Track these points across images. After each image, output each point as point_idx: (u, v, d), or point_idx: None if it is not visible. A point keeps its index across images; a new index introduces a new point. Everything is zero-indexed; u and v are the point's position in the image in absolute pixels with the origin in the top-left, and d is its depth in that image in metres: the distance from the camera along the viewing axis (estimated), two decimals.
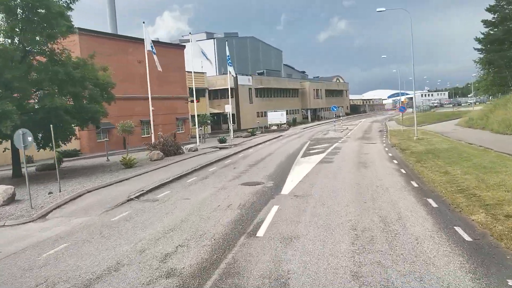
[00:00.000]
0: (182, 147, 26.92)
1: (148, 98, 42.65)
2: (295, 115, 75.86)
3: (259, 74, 75.87)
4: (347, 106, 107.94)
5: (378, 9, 28.26)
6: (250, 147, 31.01)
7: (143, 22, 30.41)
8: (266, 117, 58.97)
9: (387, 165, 18.63)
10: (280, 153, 25.94)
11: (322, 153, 24.22)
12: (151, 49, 30.17)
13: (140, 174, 18.36)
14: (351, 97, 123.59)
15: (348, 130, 45.71)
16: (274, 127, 53.61)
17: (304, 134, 43.43)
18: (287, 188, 14.12)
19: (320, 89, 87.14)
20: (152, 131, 29.79)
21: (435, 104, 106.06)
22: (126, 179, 17.02)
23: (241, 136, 42.08)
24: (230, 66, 38.95)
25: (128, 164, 20.72)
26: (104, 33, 40.05)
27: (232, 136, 39.63)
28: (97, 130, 36.85)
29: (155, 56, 30.63)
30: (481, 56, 40.87)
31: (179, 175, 17.78)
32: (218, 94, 63.01)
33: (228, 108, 35.39)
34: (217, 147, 31.57)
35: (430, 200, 11.46)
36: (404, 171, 16.60)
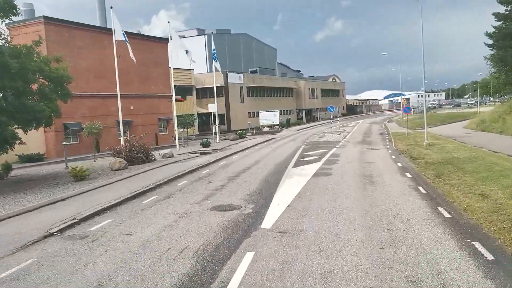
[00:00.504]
0: (153, 153, 23.00)
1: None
2: (289, 116, 72.11)
3: (251, 72, 72.12)
4: (344, 107, 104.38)
5: None
6: (235, 152, 27.18)
7: (111, 7, 26.40)
8: (258, 118, 55.15)
9: (399, 179, 14.87)
10: (268, 161, 22.14)
11: (317, 162, 20.43)
12: (123, 38, 26.21)
13: (86, 191, 14.45)
14: (347, 97, 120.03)
15: (346, 132, 42.01)
16: (266, 129, 49.81)
17: (298, 137, 39.66)
18: (270, 218, 10.31)
19: (316, 89, 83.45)
20: (122, 134, 25.83)
21: (434, 105, 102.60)
22: (62, 200, 13.06)
23: (228, 139, 38.25)
24: (216, 61, 35.07)
25: (78, 176, 16.80)
26: (77, 23, 36.01)
27: (217, 139, 35.80)
28: (66, 132, 32.99)
29: (128, 45, 26.70)
30: (492, 52, 37.24)
31: (135, 193, 13.90)
32: (207, 93, 59.07)
33: (213, 108, 31.53)
34: (198, 152, 27.74)
35: (479, 246, 7.71)
36: (423, 190, 12.85)
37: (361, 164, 19.26)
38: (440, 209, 10.53)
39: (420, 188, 13.25)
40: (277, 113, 52.18)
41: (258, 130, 50.27)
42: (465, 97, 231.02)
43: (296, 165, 19.82)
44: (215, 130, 33.66)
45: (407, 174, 15.96)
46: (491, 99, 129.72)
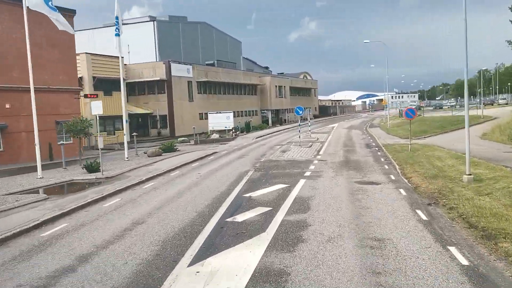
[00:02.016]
0: None
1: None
2: (252, 118, 60.56)
3: (208, 65, 60.28)
4: (316, 107, 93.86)
5: None
6: (125, 188, 15.29)
7: None
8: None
9: None
10: (154, 226, 10.44)
11: (259, 236, 8.92)
12: None
13: None
14: (319, 97, 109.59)
15: (319, 143, 30.80)
16: (216, 135, 38.06)
17: (251, 150, 28.11)
18: None
19: (284, 86, 72.22)
20: None
21: (415, 107, 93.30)
22: None
23: (146, 153, 26.16)
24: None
25: None
26: None
27: (126, 155, 23.75)
28: None
29: None
30: None
31: None
32: (145, 88, 46.80)
33: (97, 108, 19.12)
34: (60, 184, 15.81)
35: None
36: None
37: (363, 252, 7.88)
38: None
39: None
40: (231, 114, 40.46)
41: (206, 137, 38.49)
42: (437, 98, 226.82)
43: (204, 252, 8.19)
44: (98, 141, 19.54)
45: None
46: (476, 100, 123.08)
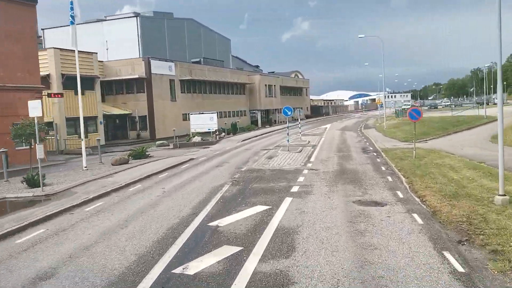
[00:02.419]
0: None
1: None
2: (239, 118, 57.35)
3: (194, 63, 57.03)
4: (308, 107, 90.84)
5: None
6: (66, 209, 12.05)
7: None
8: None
9: None
10: (76, 277, 7.28)
11: None
12: None
13: None
14: (311, 97, 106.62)
15: (310, 147, 27.73)
16: (197, 138, 34.76)
17: (233, 157, 24.93)
18: None
19: (274, 85, 69.12)
20: None
21: (408, 107, 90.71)
22: None
23: (111, 160, 22.75)
24: (72, 23, 19.22)
25: None
26: None
27: (85, 163, 20.41)
28: None
29: None
30: None
31: None
32: (123, 87, 43.39)
33: (35, 110, 15.23)
34: None
35: None
36: None
37: None
38: None
39: None
40: (215, 115, 37.16)
41: (187, 140, 35.21)
42: (429, 98, 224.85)
43: None
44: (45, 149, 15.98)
45: None
46: (473, 99, 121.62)
